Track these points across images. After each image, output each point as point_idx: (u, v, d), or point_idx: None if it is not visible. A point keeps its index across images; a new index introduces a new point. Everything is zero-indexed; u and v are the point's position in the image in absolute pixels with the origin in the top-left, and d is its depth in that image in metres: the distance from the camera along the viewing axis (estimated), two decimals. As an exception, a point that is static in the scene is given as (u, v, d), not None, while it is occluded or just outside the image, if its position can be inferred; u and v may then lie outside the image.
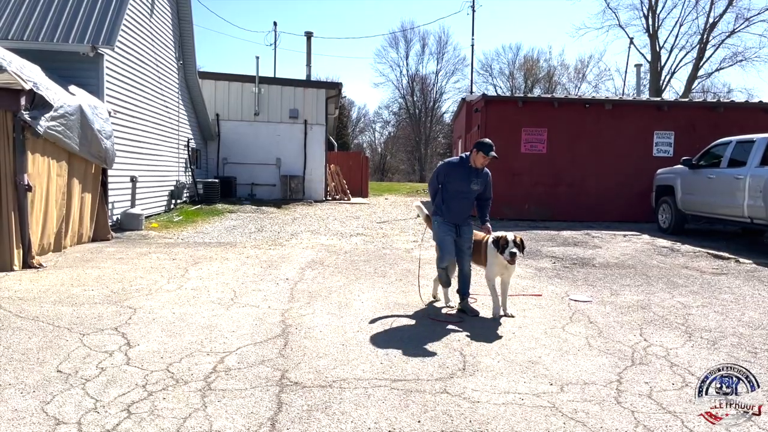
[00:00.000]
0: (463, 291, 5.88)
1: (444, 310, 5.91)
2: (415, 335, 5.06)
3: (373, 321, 5.48)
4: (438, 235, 5.88)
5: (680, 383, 3.99)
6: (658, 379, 4.07)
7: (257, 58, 21.84)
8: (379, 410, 3.49)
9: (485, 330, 5.25)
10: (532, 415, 3.47)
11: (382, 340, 4.88)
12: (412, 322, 5.51)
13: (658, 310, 6.05)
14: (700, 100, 20.08)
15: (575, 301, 6.42)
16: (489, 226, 5.85)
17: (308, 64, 30.28)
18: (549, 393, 3.81)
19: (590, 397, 3.76)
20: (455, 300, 6.00)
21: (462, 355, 4.53)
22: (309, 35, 31.01)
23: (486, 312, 5.79)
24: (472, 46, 33.76)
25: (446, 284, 6.00)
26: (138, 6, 12.96)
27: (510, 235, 5.48)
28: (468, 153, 5.77)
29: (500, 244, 5.47)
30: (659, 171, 13.61)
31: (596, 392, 3.83)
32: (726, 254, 9.59)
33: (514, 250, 5.39)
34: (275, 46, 33.98)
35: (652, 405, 3.64)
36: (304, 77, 28.60)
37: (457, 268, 5.95)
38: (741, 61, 36.78)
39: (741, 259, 9.13)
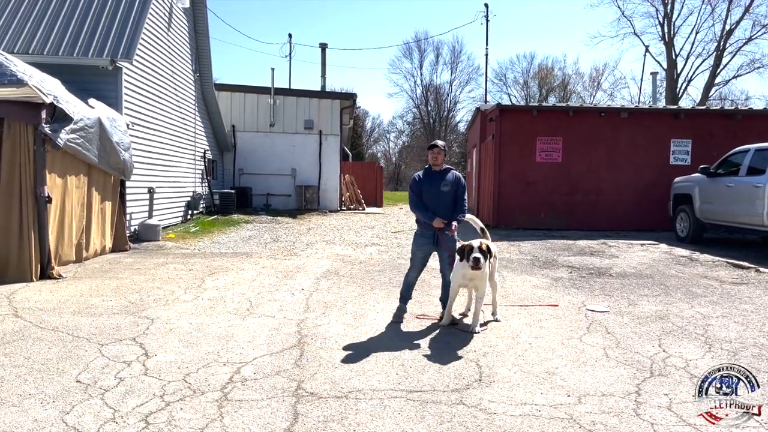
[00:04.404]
0: (444, 298, 5.95)
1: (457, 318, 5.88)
2: (430, 346, 5.05)
3: (388, 331, 5.48)
4: (412, 248, 6.04)
5: (700, 395, 3.93)
6: (678, 391, 4.02)
7: (272, 69, 22.08)
8: (395, 421, 3.49)
9: (501, 340, 5.22)
10: (549, 427, 3.44)
11: (397, 350, 4.87)
12: (428, 332, 5.49)
13: (676, 320, 5.98)
14: (718, 107, 19.87)
15: (592, 311, 6.36)
16: (455, 224, 5.72)
17: (323, 75, 30.56)
18: (566, 404, 3.77)
19: (609, 408, 3.72)
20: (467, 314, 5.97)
21: (478, 366, 4.50)
22: (323, 47, 31.30)
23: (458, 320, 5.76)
24: (486, 55, 33.98)
25: (404, 296, 5.98)
26: (156, 20, 13.17)
27: (475, 243, 5.34)
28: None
29: (465, 251, 5.35)
30: (677, 179, 13.48)
31: (615, 404, 3.79)
32: (746, 263, 9.45)
33: (478, 255, 5.22)
34: (290, 58, 34.43)
35: (672, 417, 3.59)
36: (318, 88, 28.89)
37: (474, 292, 5.82)
38: (759, 68, 36.44)
39: (761, 269, 8.99)
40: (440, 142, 5.87)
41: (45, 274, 7.76)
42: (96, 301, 6.46)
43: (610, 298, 7.07)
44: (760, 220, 10.16)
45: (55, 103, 7.93)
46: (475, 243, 5.33)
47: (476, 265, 5.23)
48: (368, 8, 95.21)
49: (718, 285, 7.88)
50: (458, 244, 5.61)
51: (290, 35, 50.82)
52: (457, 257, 5.49)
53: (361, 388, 4.01)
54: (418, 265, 5.98)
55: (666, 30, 37.70)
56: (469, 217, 6.23)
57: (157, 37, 13.38)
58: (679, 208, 12.97)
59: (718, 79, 37.57)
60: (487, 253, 5.35)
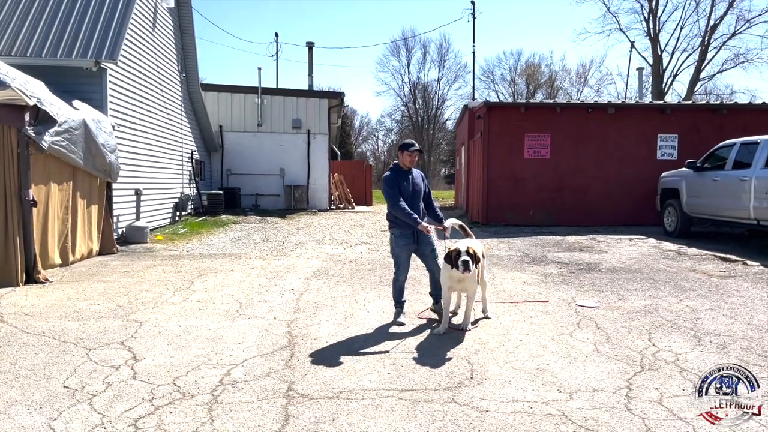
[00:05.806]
0: (435, 293, 5.89)
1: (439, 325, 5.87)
2: (422, 344, 5.04)
3: (379, 330, 5.47)
4: (394, 251, 5.87)
5: (690, 389, 3.94)
6: (668, 385, 4.04)
7: (259, 69, 21.99)
8: (387, 421, 3.47)
9: (492, 338, 5.22)
10: (541, 424, 3.44)
11: (388, 349, 4.86)
12: (419, 331, 5.48)
13: (666, 314, 6.01)
14: (703, 102, 19.96)
15: (582, 306, 6.38)
16: (445, 224, 5.76)
17: (310, 74, 30.38)
18: (558, 401, 3.78)
19: (600, 404, 3.72)
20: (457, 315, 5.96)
21: (469, 364, 4.50)
22: (310, 45, 31.13)
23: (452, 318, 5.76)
24: (474, 53, 33.83)
25: (398, 300, 5.87)
26: (140, 20, 13.05)
27: (462, 246, 5.25)
28: (397, 160, 5.86)
29: (452, 257, 5.25)
30: (664, 174, 13.57)
31: (606, 399, 3.80)
32: (733, 257, 9.53)
33: (466, 258, 5.13)
34: (277, 57, 34.21)
35: (663, 411, 3.61)
36: (306, 87, 28.73)
37: (464, 296, 5.81)
38: (743, 62, 36.76)
39: (749, 262, 9.07)
40: (414, 143, 5.83)
41: (31, 278, 7.67)
42: (83, 305, 6.39)
43: (599, 293, 7.09)
44: (746, 213, 10.24)
45: (38, 105, 7.84)
46: (462, 247, 5.24)
47: (466, 269, 5.13)
48: (355, 6, 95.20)
49: (706, 278, 7.94)
50: (436, 240, 5.59)
51: (276, 34, 50.51)
52: (445, 263, 5.38)
53: (352, 388, 4.00)
54: (405, 266, 5.85)
55: (651, 26, 37.99)
56: (451, 222, 6.06)
57: (142, 38, 13.26)
58: (666, 203, 13.05)
59: (703, 74, 37.94)
60: (474, 256, 5.25)
